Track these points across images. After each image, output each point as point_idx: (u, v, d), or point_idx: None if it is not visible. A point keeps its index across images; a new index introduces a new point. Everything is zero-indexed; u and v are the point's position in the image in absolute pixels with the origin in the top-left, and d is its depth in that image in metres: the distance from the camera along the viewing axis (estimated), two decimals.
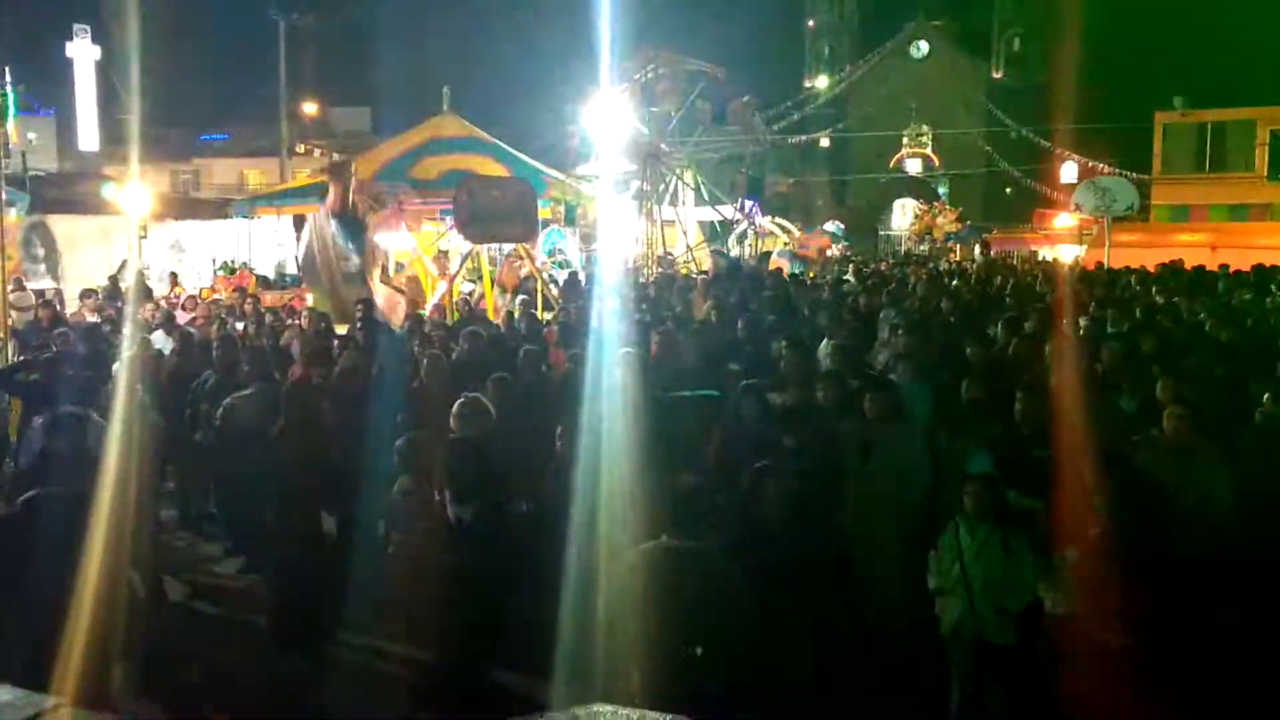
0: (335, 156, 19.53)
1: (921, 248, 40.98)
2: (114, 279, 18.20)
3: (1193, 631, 5.34)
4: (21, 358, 11.66)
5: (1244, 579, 5.52)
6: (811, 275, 20.82)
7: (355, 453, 7.15)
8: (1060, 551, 5.30)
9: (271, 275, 22.95)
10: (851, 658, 6.23)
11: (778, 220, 31.27)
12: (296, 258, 18.67)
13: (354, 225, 15.20)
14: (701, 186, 29.05)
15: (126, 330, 11.35)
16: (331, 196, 15.27)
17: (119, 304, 15.03)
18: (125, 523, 4.95)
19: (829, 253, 30.20)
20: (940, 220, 42.80)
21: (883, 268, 24.75)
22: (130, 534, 4.98)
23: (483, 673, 6.00)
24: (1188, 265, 20.57)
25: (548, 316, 13.23)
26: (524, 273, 16.45)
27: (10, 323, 13.18)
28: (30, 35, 32.25)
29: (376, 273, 15.45)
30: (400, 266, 18.45)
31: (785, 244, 28.74)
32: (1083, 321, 10.51)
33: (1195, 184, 39.02)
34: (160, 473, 8.36)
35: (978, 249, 36.38)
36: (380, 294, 14.46)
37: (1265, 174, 37.26)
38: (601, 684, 4.59)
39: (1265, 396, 6.70)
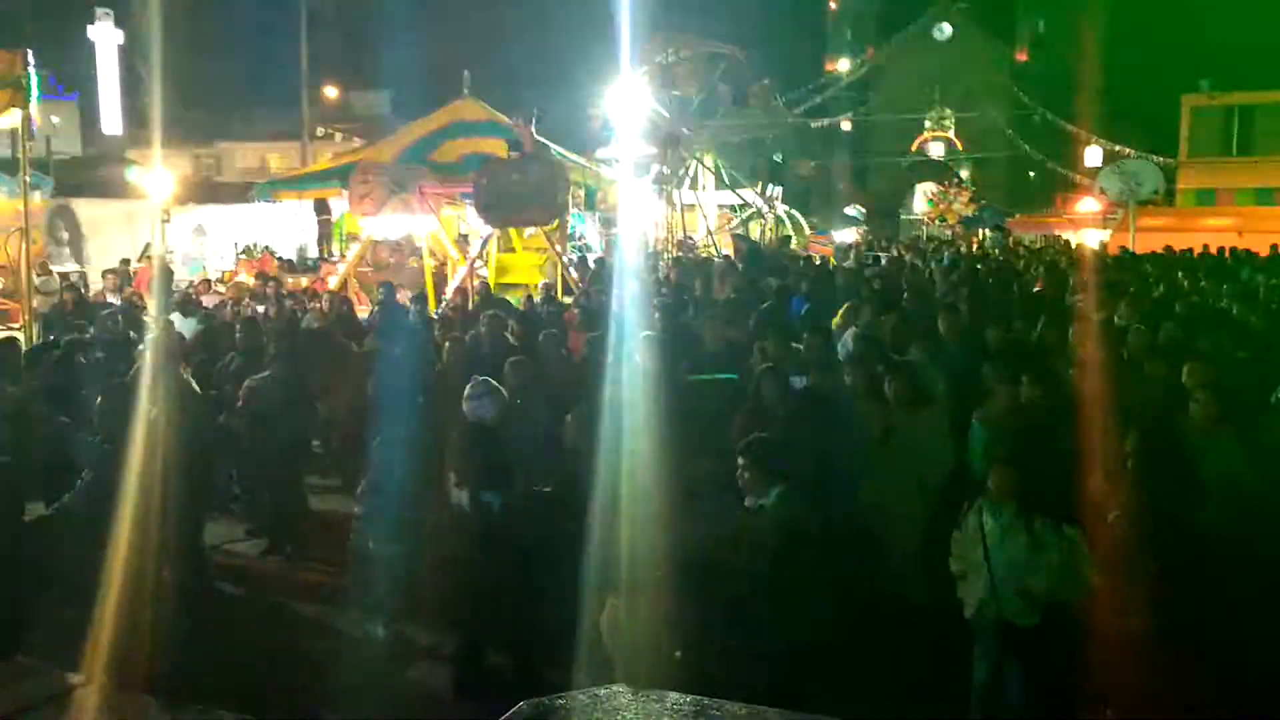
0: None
1: (945, 231, 40.58)
2: (125, 261, 18.22)
3: (1215, 613, 5.29)
4: (51, 336, 11.68)
5: (1266, 562, 5.47)
6: (833, 262, 20.71)
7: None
8: (1085, 531, 5.26)
9: (294, 259, 23.08)
10: (877, 637, 6.24)
11: (791, 212, 30.82)
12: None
13: None
14: (722, 170, 28.88)
15: (150, 312, 11.42)
16: None
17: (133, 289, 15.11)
18: (155, 511, 4.96)
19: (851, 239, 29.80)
20: (956, 206, 42.32)
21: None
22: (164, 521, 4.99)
23: (509, 654, 6.05)
24: (1213, 250, 20.39)
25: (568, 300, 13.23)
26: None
27: (35, 306, 13.26)
28: (53, 18, 32.35)
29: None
30: (418, 250, 18.49)
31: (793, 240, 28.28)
32: (1107, 308, 10.41)
33: (1222, 167, 38.50)
34: (203, 459, 7.57)
35: (987, 233, 35.87)
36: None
37: None
38: (624, 666, 4.60)
39: None
